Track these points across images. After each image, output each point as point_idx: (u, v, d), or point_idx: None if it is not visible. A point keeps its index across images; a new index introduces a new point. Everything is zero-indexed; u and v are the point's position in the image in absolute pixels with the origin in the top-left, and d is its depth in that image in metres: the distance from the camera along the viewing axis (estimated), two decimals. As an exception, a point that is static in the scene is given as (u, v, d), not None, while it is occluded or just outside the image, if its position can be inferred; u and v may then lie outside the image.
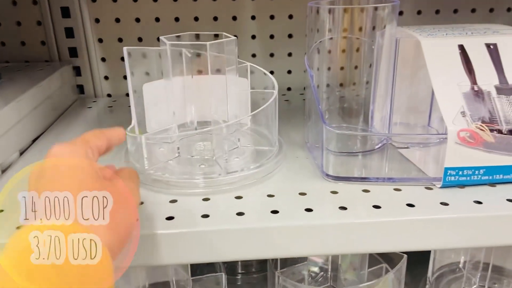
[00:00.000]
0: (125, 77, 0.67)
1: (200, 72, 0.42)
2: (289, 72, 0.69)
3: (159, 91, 0.43)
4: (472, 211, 0.34)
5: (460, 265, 0.53)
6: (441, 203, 0.35)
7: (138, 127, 0.42)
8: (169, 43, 0.39)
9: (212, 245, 0.33)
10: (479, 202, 0.35)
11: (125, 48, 0.40)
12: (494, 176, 0.37)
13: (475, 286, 0.51)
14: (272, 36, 0.66)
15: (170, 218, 0.34)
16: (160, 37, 0.41)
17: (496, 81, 0.38)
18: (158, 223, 0.34)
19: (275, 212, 0.35)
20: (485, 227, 0.34)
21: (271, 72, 0.70)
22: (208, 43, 0.38)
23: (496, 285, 0.51)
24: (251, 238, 0.33)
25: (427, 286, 0.52)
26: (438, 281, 0.52)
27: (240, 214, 0.34)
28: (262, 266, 0.60)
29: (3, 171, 0.44)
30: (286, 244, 0.34)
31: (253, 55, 0.67)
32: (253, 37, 0.66)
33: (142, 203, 0.36)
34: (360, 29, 0.45)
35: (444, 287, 0.52)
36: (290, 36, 0.66)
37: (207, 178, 0.39)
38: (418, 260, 0.52)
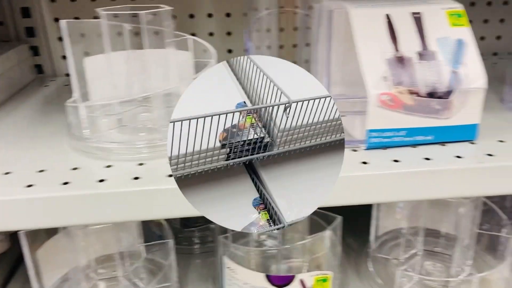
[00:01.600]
0: (84, 54, 0.68)
1: (139, 46, 0.43)
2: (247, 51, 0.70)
3: (100, 65, 0.44)
4: (388, 169, 0.36)
5: (403, 231, 0.55)
6: (362, 162, 0.37)
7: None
8: (104, 13, 0.40)
9: (142, 204, 0.35)
10: (397, 161, 0.37)
11: (62, 21, 0.41)
12: (415, 137, 0.39)
13: (414, 250, 0.53)
14: (228, 15, 0.67)
15: (101, 180, 0.36)
16: (97, 9, 0.42)
17: (419, 48, 0.40)
18: (89, 184, 0.35)
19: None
20: (400, 182, 0.36)
21: (229, 51, 0.72)
22: (144, 12, 0.40)
23: (436, 248, 0.54)
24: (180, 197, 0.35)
25: (369, 250, 0.54)
26: (380, 247, 0.55)
27: (171, 176, 0.36)
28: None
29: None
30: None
31: (211, 34, 0.68)
32: (210, 15, 0.67)
33: (76, 168, 0.38)
34: (297, 7, 0.48)
35: (386, 251, 0.54)
36: (246, 14, 0.67)
37: (147, 144, 0.40)
38: (364, 229, 0.54)
